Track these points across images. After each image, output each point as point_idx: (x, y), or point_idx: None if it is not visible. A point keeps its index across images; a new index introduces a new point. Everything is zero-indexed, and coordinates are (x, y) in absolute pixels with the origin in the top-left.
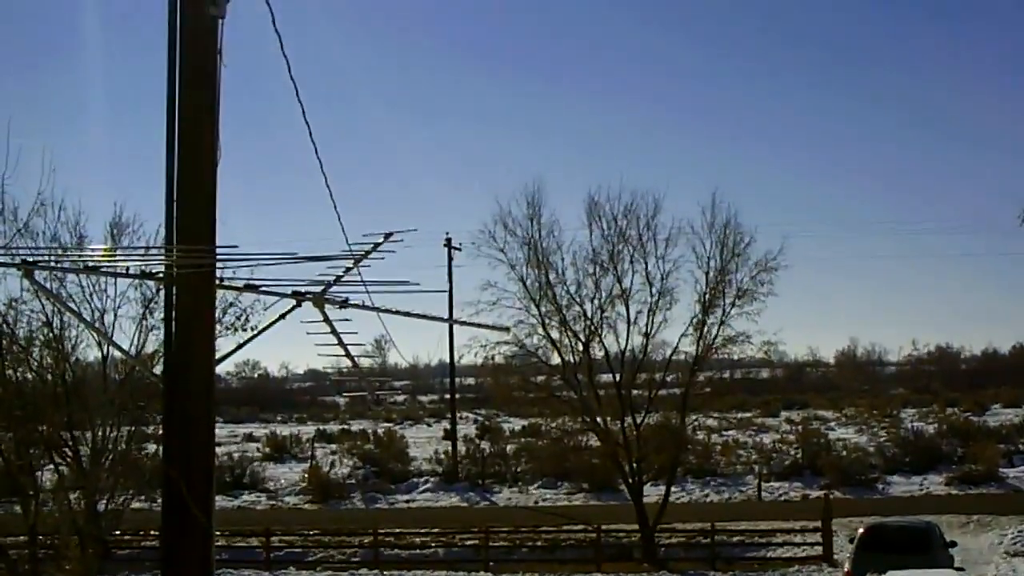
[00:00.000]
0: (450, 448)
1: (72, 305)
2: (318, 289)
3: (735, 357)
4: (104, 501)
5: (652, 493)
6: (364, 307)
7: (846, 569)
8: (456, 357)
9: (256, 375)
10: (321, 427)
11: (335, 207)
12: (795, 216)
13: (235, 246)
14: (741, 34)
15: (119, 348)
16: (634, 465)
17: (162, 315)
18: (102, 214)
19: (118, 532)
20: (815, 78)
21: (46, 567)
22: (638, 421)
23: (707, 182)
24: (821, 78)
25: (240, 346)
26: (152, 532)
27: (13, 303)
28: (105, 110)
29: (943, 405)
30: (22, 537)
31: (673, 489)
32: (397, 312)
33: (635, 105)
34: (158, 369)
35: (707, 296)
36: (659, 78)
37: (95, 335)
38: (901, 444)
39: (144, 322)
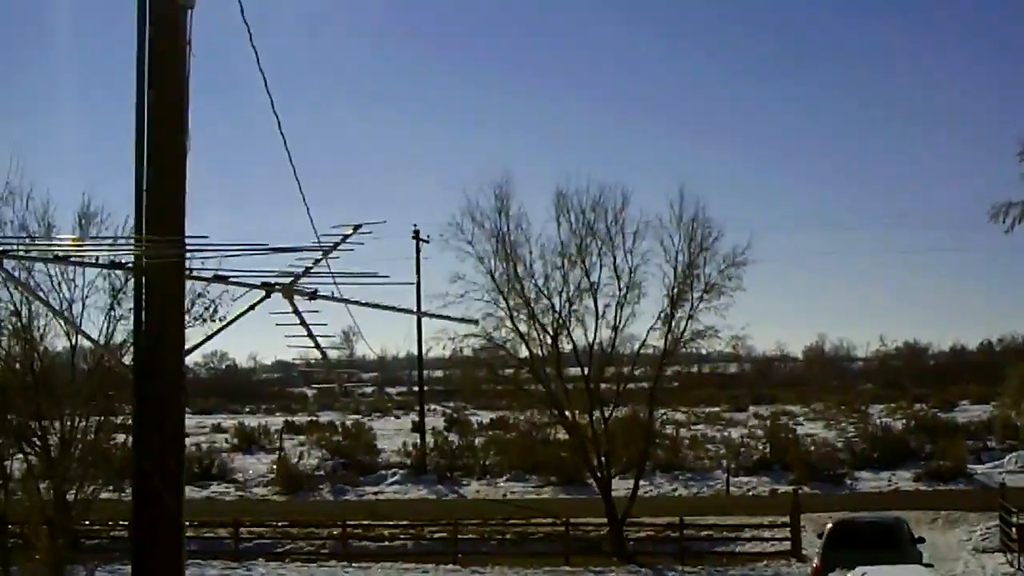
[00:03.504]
0: (418, 440)
1: (41, 294)
2: (287, 280)
3: (703, 351)
4: (73, 491)
5: (620, 487)
6: (333, 298)
7: (815, 564)
8: (424, 349)
9: (224, 366)
10: (289, 418)
11: (304, 199)
12: (763, 211)
13: (204, 237)
14: (708, 29)
15: (88, 337)
16: (602, 459)
17: (131, 305)
18: (71, 203)
19: (87, 522)
20: (784, 74)
21: (15, 557)
22: (606, 415)
23: (675, 176)
24: (790, 74)
25: (209, 337)
26: (122, 522)
27: None
28: (74, 99)
29: (911, 401)
30: None
31: (641, 483)
32: (366, 304)
33: (604, 98)
34: (127, 359)
35: (675, 290)
36: (628, 72)
37: (64, 324)
38: (869, 440)
39: (113, 312)
